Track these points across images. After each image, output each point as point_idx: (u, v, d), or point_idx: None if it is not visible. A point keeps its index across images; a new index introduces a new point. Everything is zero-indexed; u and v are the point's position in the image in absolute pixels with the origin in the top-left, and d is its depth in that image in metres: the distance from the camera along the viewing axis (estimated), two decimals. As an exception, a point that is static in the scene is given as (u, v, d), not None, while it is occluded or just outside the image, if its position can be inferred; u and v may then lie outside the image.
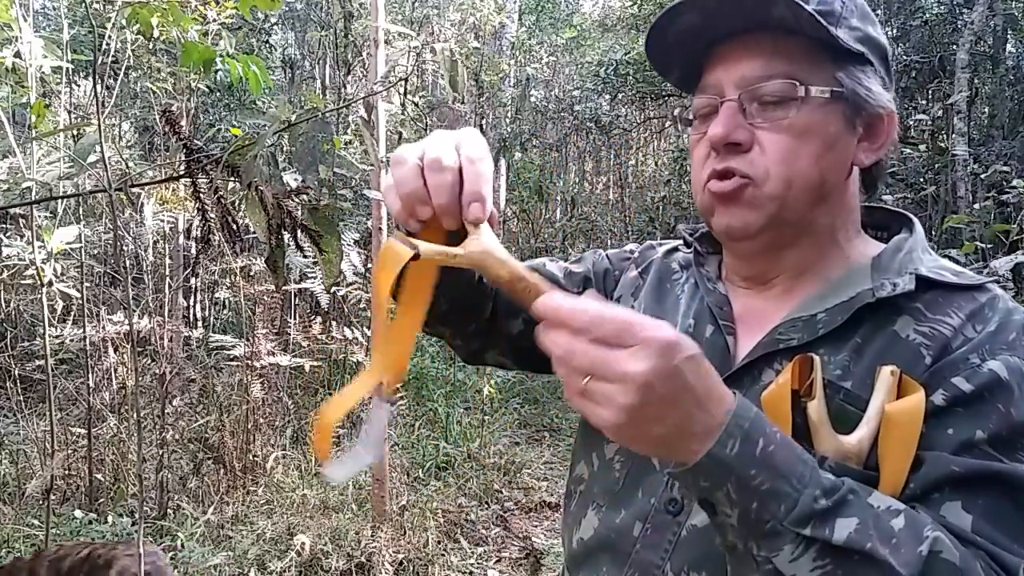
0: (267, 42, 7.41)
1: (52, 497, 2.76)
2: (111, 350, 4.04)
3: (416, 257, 0.58)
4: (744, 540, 0.58)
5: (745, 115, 0.72)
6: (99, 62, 2.56)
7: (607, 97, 8.47)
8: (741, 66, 0.72)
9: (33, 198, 2.50)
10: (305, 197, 1.27)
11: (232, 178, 1.28)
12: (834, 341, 0.70)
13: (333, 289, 4.58)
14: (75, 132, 3.15)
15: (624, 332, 0.53)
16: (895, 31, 6.32)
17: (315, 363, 4.52)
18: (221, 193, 1.28)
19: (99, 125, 1.84)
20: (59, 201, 3.20)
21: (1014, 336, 0.66)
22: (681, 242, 0.93)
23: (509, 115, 9.19)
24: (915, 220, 0.79)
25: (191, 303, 5.80)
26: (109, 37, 3.06)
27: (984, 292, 0.70)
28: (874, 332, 0.69)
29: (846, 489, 0.58)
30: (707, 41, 0.75)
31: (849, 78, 0.72)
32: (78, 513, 3.24)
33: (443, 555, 3.33)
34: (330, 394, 4.85)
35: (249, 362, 4.10)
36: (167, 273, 5.11)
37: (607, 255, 0.97)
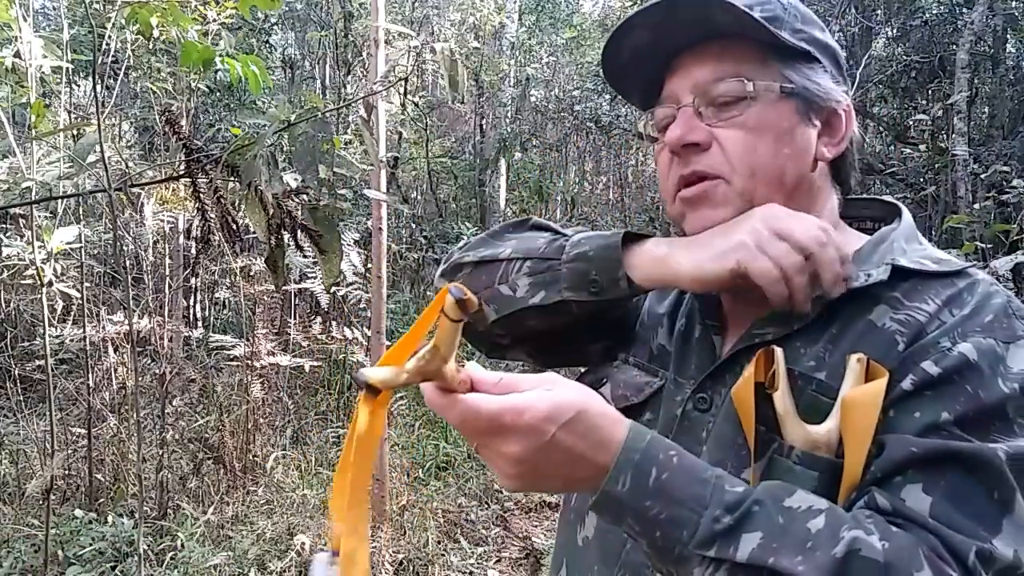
0: (267, 42, 7.42)
1: (52, 497, 2.76)
2: (111, 350, 4.05)
3: (376, 392, 0.56)
4: (663, 565, 0.61)
5: (701, 118, 0.75)
6: (99, 62, 2.56)
7: (607, 97, 8.46)
8: (693, 73, 0.75)
9: (33, 198, 2.50)
10: (305, 197, 1.28)
11: (232, 178, 1.29)
12: (810, 333, 0.71)
13: (333, 289, 4.58)
14: (75, 132, 3.15)
15: (493, 425, 0.57)
16: (895, 31, 6.33)
17: (315, 363, 4.53)
18: (221, 193, 1.28)
19: (99, 125, 1.84)
20: (59, 201, 3.20)
21: (991, 318, 0.66)
22: None
23: (509, 115, 9.19)
24: (903, 209, 0.80)
25: (191, 303, 5.81)
26: (109, 37, 3.06)
27: (964, 277, 0.70)
28: (850, 322, 0.70)
29: (751, 501, 0.58)
30: (663, 58, 0.78)
31: (798, 75, 0.74)
32: (78, 513, 3.24)
33: (443, 555, 3.33)
34: (330, 394, 4.86)
35: (249, 362, 4.11)
36: (167, 273, 5.12)
37: None
